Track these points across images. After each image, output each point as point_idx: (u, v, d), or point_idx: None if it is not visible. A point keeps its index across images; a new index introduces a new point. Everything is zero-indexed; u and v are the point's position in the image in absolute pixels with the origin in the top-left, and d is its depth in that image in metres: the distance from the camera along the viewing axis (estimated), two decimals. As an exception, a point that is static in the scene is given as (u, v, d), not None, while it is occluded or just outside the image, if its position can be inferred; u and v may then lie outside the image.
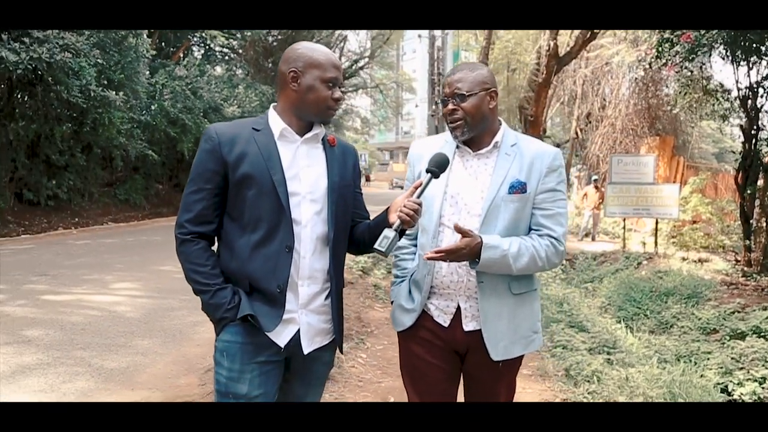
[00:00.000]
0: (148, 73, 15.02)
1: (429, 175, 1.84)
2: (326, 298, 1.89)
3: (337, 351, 2.02)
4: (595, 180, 13.89)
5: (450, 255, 1.82)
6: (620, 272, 9.39)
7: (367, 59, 35.04)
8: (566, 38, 15.75)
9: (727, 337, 6.11)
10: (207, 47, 23.92)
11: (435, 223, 1.96)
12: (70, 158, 13.39)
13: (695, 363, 5.44)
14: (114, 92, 11.95)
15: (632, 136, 15.48)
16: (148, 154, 14.42)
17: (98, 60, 11.65)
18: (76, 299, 5.66)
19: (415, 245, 2.09)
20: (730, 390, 4.93)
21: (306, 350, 1.84)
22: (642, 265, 9.75)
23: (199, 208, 1.78)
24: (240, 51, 26.52)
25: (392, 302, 2.13)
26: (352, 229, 2.00)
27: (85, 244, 9.87)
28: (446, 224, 1.95)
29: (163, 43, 19.01)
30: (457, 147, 2.01)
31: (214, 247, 1.87)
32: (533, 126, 16.98)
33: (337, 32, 30.44)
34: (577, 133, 19.20)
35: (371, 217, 2.02)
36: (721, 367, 5.28)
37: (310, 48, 1.82)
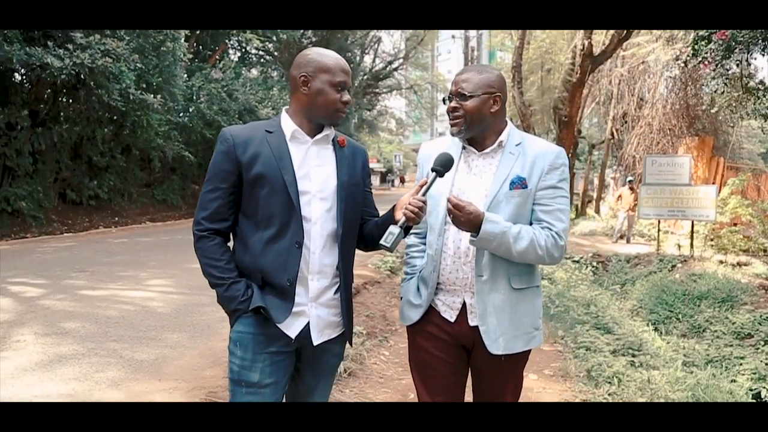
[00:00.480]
0: (185, 76, 15.43)
1: (434, 174, 1.91)
2: (335, 292, 1.96)
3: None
4: (630, 181, 13.60)
5: (456, 209, 1.85)
6: (653, 275, 9.21)
7: (401, 60, 35.10)
8: (601, 37, 15.49)
9: (762, 342, 5.96)
10: (243, 50, 24.35)
11: (441, 221, 2.01)
12: (111, 159, 13.89)
13: (726, 368, 5.32)
14: (152, 95, 12.35)
15: (669, 136, 15.09)
16: (185, 156, 14.83)
17: (137, 64, 12.05)
18: (112, 294, 5.90)
19: (425, 243, 2.14)
20: (763, 396, 4.81)
21: (315, 342, 1.92)
22: (676, 267, 9.54)
23: (215, 206, 1.88)
24: (275, 53, 26.91)
25: (401, 298, 2.20)
26: (362, 227, 2.07)
27: (123, 243, 10.23)
28: (452, 222, 1.99)
29: (200, 47, 19.48)
30: (464, 147, 2.06)
31: (231, 243, 1.97)
32: (567, 126, 16.74)
33: (372, 33, 30.61)
34: (612, 134, 18.82)
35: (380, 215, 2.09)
36: (755, 373, 5.15)
37: (319, 53, 1.90)
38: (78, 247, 9.43)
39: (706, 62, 8.11)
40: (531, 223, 1.98)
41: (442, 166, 1.91)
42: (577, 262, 10.19)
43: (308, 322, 1.90)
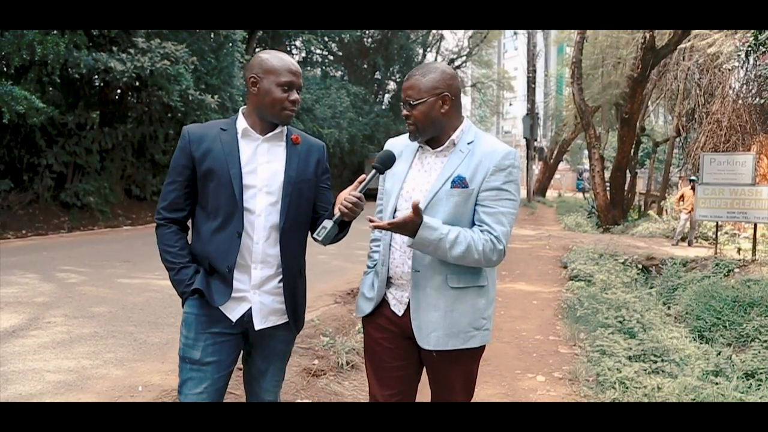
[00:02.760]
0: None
1: (373, 170, 1.96)
2: (280, 281, 2.05)
3: None
4: (693, 180, 12.86)
5: (393, 226, 1.87)
6: (706, 279, 8.69)
7: (464, 58, 34.74)
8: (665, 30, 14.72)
9: (815, 355, 5.50)
10: (307, 50, 24.91)
11: (389, 216, 2.04)
12: (172, 157, 14.61)
13: (770, 381, 4.96)
14: (210, 96, 12.88)
15: (741, 133, 14.11)
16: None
17: (196, 66, 12.61)
18: (144, 282, 6.27)
19: None
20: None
21: (258, 326, 2.01)
22: (733, 272, 8.95)
23: (172, 197, 2.03)
24: (340, 53, 27.40)
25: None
26: (315, 221, 2.13)
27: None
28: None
29: (261, 48, 20.13)
30: (420, 146, 2.08)
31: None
32: (628, 124, 16.06)
33: (434, 31, 30.49)
34: (678, 131, 17.82)
35: None
36: (799, 388, 4.77)
37: (269, 55, 2.00)
38: (130, 239, 10.05)
39: (765, 53, 7.60)
40: (473, 223, 1.96)
41: (382, 163, 1.97)
42: (623, 263, 9.76)
43: (250, 308, 2.00)
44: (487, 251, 1.89)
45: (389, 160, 1.97)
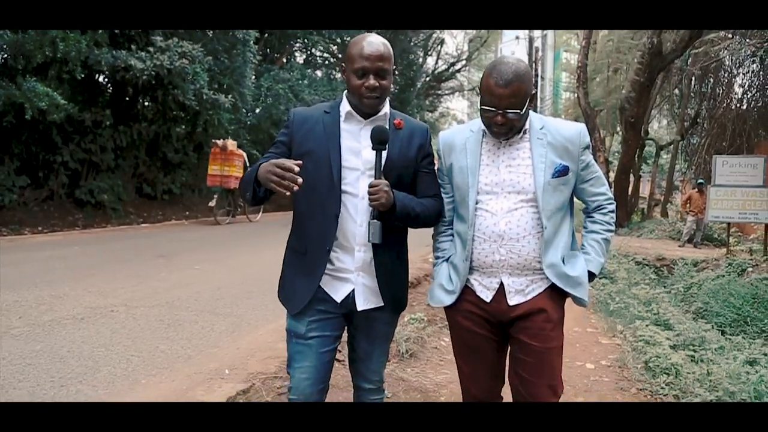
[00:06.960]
0: (254, 77, 16.07)
1: (374, 152, 1.94)
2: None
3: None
4: (700, 184, 13.14)
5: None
6: (721, 278, 8.91)
7: (464, 62, 34.99)
8: (671, 35, 15.00)
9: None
10: (309, 53, 25.02)
11: (471, 210, 2.04)
12: (184, 156, 14.66)
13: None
14: (223, 95, 12.96)
15: (744, 137, 14.41)
16: (254, 154, 15.46)
17: (210, 65, 12.69)
18: (187, 276, 6.37)
19: (451, 228, 2.18)
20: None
21: (360, 308, 2.04)
22: (747, 272, 9.18)
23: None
24: (339, 55, 27.50)
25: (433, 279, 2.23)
26: None
27: (197, 233, 10.83)
28: (484, 208, 2.03)
29: (268, 50, 20.23)
30: (484, 135, 2.07)
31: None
32: (633, 128, 16.32)
33: (435, 35, 30.72)
34: (682, 135, 18.15)
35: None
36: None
37: (352, 43, 2.00)
38: (155, 236, 10.09)
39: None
40: (571, 200, 2.11)
41: (378, 142, 1.93)
42: (640, 263, 9.99)
43: (353, 289, 2.04)
44: (611, 223, 2.16)
45: (383, 134, 1.93)
